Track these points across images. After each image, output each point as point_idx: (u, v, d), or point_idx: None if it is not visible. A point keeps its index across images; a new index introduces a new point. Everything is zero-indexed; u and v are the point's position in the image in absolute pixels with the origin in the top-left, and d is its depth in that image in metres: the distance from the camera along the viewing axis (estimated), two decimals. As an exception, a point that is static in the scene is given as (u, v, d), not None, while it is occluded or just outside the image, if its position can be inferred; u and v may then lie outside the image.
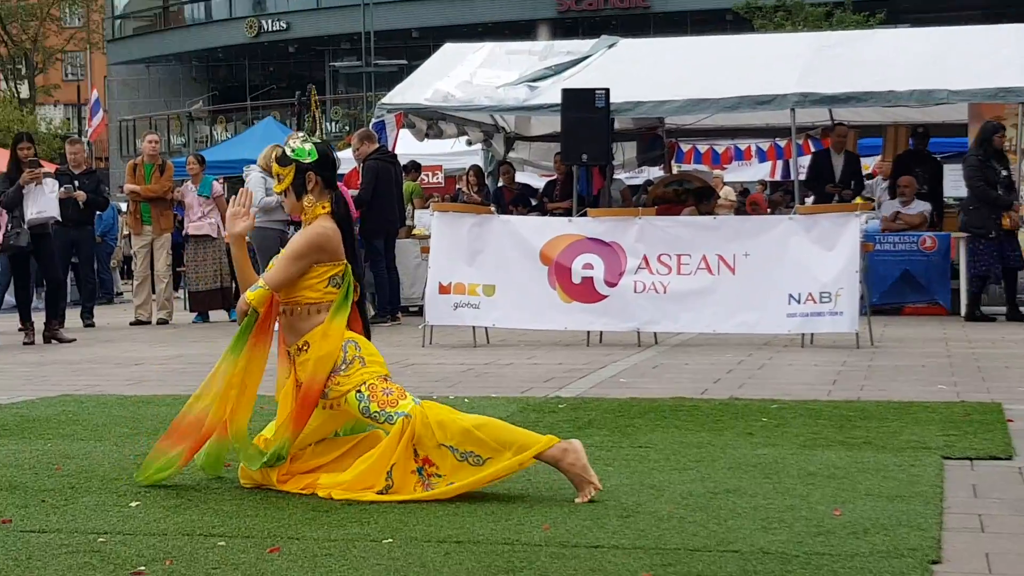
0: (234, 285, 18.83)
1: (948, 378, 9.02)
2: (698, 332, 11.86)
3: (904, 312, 14.85)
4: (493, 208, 13.38)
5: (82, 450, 6.41)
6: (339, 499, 5.13)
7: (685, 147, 20.56)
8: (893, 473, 5.56)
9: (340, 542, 4.50)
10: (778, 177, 22.48)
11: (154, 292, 16.08)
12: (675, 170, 19.50)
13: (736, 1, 36.02)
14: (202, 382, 5.58)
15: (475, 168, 19.05)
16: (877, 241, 14.45)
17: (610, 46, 16.79)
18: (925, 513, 4.78)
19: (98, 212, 17.25)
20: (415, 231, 16.70)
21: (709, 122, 17.84)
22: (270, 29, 53.84)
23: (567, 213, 15.10)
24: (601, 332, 11.88)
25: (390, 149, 14.98)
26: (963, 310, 14.32)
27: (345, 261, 5.44)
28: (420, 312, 14.13)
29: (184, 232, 16.20)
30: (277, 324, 5.53)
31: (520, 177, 20.21)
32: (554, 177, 18.15)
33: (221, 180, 17.06)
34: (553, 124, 16.24)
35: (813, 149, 18.53)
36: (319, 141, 5.54)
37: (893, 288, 14.81)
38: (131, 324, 15.71)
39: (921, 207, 15.49)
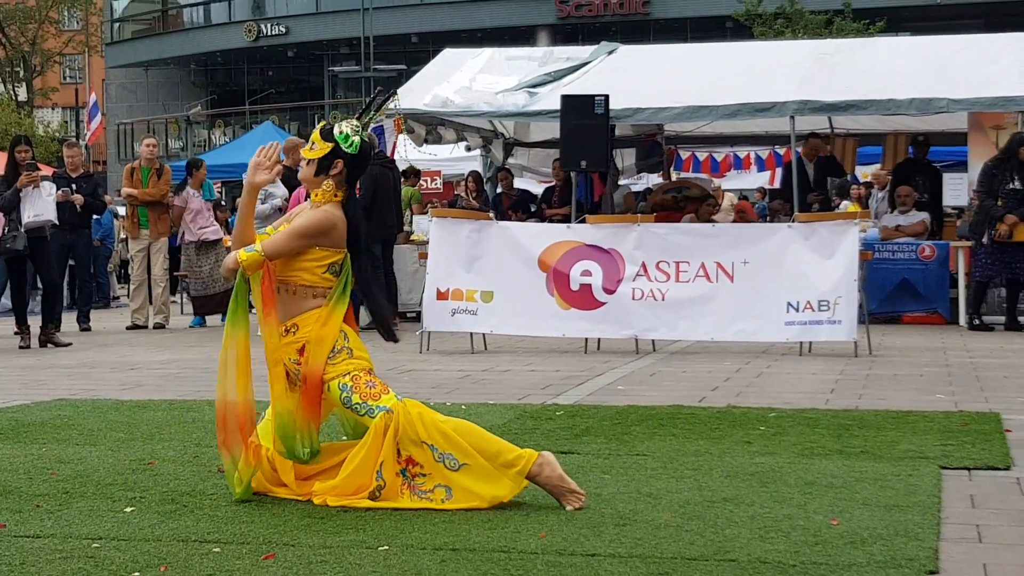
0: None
1: (946, 387, 9.00)
2: (696, 340, 11.84)
3: (903, 321, 14.85)
4: (492, 214, 13.34)
5: (77, 455, 6.38)
6: (334, 506, 5.11)
7: (684, 154, 20.56)
8: (891, 483, 5.54)
9: (336, 549, 4.48)
10: (777, 185, 22.44)
11: (151, 296, 16.04)
12: (674, 177, 19.48)
13: (736, 8, 36.00)
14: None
15: (474, 174, 19.05)
16: (876, 249, 14.45)
17: (610, 52, 16.79)
18: (922, 523, 4.77)
19: (96, 216, 17.23)
20: (413, 237, 16.69)
21: (708, 129, 17.83)
22: (269, 33, 53.82)
23: (566, 219, 15.09)
24: (599, 339, 11.85)
25: (389, 154, 14.96)
26: (962, 317, 14.31)
27: (345, 250, 5.39)
28: (418, 318, 14.12)
29: (183, 237, 16.12)
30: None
31: (519, 183, 20.20)
32: (553, 183, 18.15)
33: (218, 185, 17.06)
34: (552, 130, 16.23)
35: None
36: (367, 140, 5.49)
37: (892, 297, 14.81)
38: (127, 328, 15.68)
39: (920, 216, 15.48)
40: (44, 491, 5.47)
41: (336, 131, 5.38)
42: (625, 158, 18.99)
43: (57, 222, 13.78)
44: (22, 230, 13.07)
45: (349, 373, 5.26)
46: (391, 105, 5.87)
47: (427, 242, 12.77)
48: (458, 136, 18.12)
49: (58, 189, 14.25)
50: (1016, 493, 5.42)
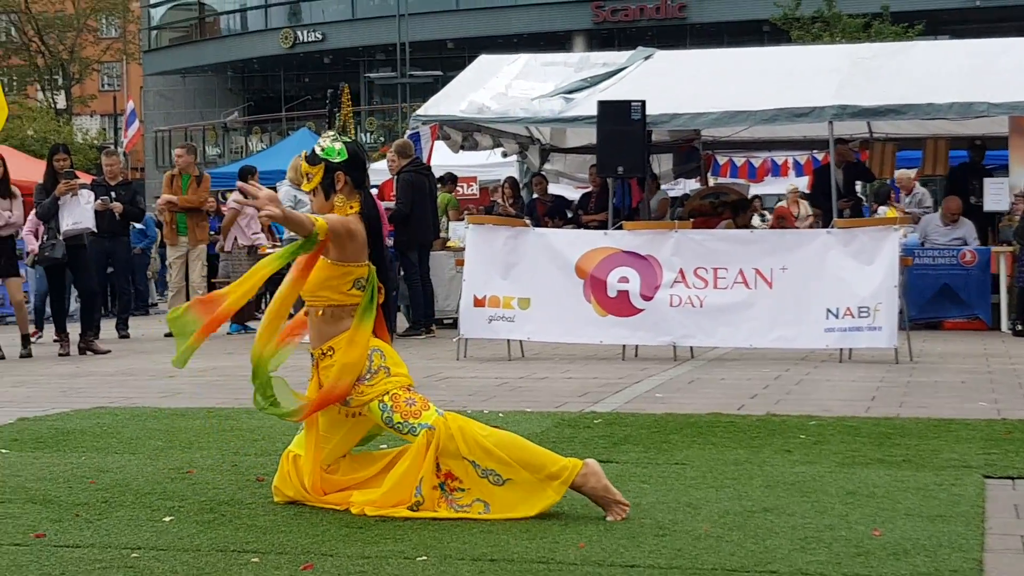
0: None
1: (989, 395, 8.92)
2: (735, 347, 11.79)
3: (944, 327, 14.73)
4: (528, 221, 13.31)
5: (116, 463, 6.39)
6: (372, 515, 5.09)
7: (721, 160, 20.48)
8: (933, 492, 5.48)
9: (374, 559, 4.46)
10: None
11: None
12: (711, 183, 19.42)
13: (773, 12, 35.83)
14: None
15: (510, 180, 19.03)
16: (916, 255, 14.34)
17: (646, 58, 16.75)
18: (966, 534, 4.71)
19: (135, 224, 17.32)
20: (449, 243, 16.68)
21: (746, 134, 17.76)
22: (305, 40, 53.98)
23: (602, 226, 15.06)
24: (637, 346, 11.82)
25: (425, 161, 14.96)
26: (1004, 323, 14.19)
27: (369, 263, 5.38)
28: (454, 325, 14.10)
29: (235, 242, 16.11)
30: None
31: (555, 189, 20.18)
32: (589, 189, 18.11)
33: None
34: (589, 136, 16.19)
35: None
36: (349, 140, 5.47)
37: (932, 302, 14.70)
38: (166, 335, 15.70)
39: (964, 229, 15.27)
40: (83, 500, 5.48)
41: (318, 151, 5.39)
42: (662, 164, 18.94)
43: (95, 230, 13.85)
44: (60, 238, 13.15)
45: (388, 392, 5.24)
46: (345, 100, 5.88)
47: (463, 249, 12.76)
48: (494, 142, 18.12)
49: (97, 197, 14.34)
50: (1061, 503, 5.36)
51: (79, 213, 13.26)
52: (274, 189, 15.54)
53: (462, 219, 18.11)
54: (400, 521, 5.01)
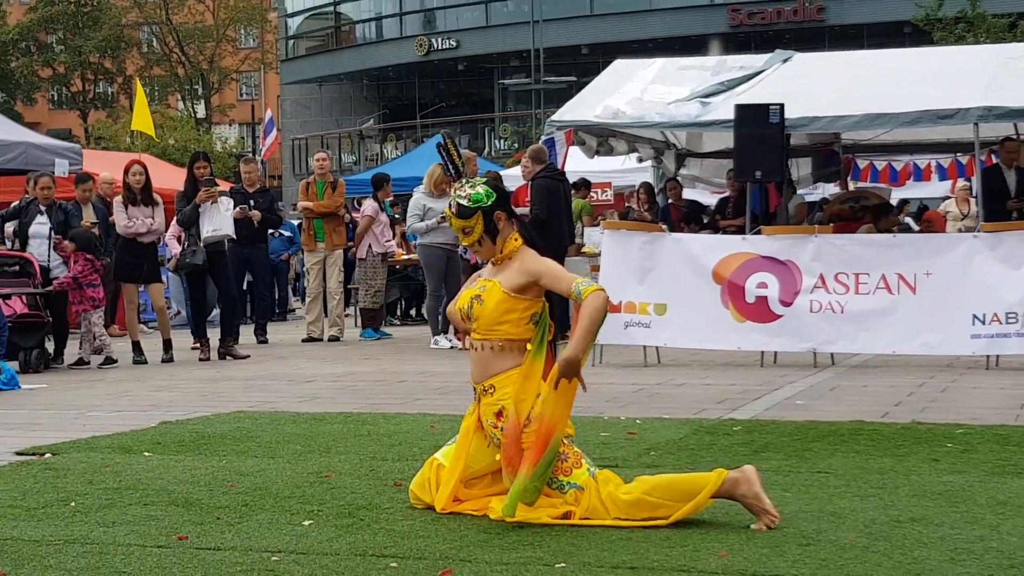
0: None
1: None
2: (877, 353, 11.55)
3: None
4: (664, 227, 13.19)
5: (256, 467, 6.44)
6: (511, 521, 5.05)
7: (862, 164, 20.11)
8: (1090, 504, 5.29)
9: (513, 565, 4.42)
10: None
11: (326, 309, 16.24)
12: (851, 187, 19.08)
13: (915, 12, 35.12)
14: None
15: (646, 185, 18.90)
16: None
17: (784, 60, 16.47)
18: None
19: (272, 231, 17.54)
20: (585, 249, 16.61)
21: (887, 137, 17.38)
22: (440, 47, 54.32)
23: (740, 231, 14.87)
24: (776, 352, 11.64)
25: (559, 167, 14.90)
26: None
27: (544, 300, 5.36)
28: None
29: (369, 249, 16.22)
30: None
31: (690, 194, 20.00)
32: (726, 194, 17.91)
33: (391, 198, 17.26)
34: (725, 140, 15.99)
35: (997, 165, 17.97)
36: (483, 179, 5.46)
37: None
38: (303, 341, 15.89)
39: None
40: (224, 503, 5.52)
41: (466, 201, 5.32)
42: (801, 168, 18.64)
43: (235, 236, 14.04)
44: (201, 245, 13.34)
45: None
46: (450, 146, 5.84)
47: (599, 254, 12.68)
48: (629, 147, 17.98)
49: (236, 205, 14.51)
50: None
51: (219, 220, 13.46)
52: (409, 196, 15.67)
53: (597, 224, 18.04)
54: (539, 528, 4.96)
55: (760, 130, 13.77)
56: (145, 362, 13.16)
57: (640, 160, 19.48)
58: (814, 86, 15.32)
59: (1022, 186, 15.06)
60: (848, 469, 6.15)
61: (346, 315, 17.10)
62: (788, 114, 13.85)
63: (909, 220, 20.52)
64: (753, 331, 11.45)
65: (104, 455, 6.94)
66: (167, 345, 13.43)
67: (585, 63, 46.36)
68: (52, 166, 17.09)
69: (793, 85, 15.20)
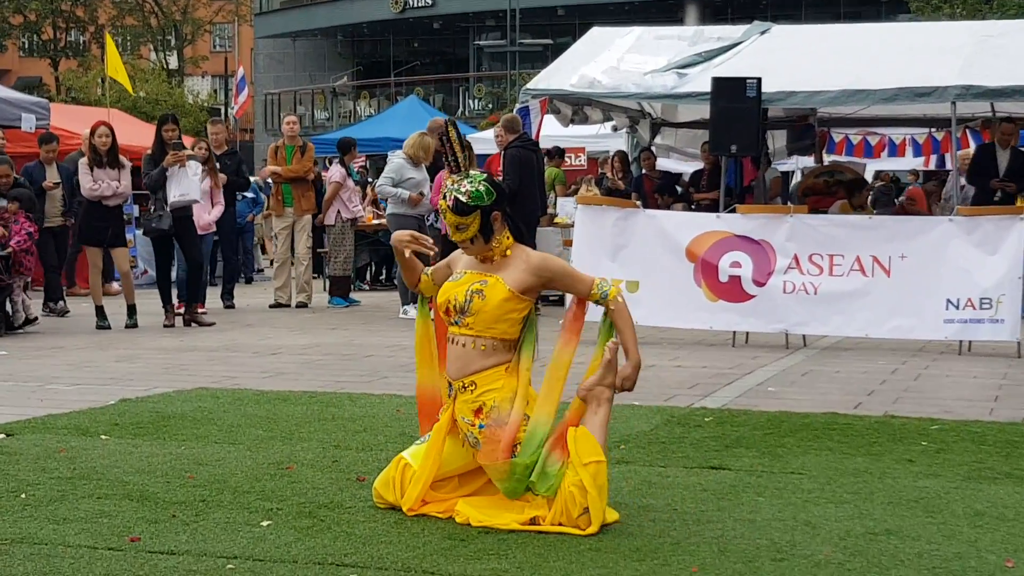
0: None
1: (1119, 398, 8.52)
2: (849, 336, 11.43)
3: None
4: (639, 203, 13.02)
5: (215, 455, 6.26)
6: (476, 526, 4.90)
7: (837, 137, 19.97)
8: (1069, 516, 5.18)
9: (477, 578, 4.28)
10: (932, 167, 21.72)
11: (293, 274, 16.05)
12: (826, 160, 18.95)
13: (892, -16, 35.04)
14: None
15: (620, 154, 18.74)
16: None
17: (762, 32, 16.28)
18: (1110, 570, 4.41)
19: (242, 193, 17.32)
20: (557, 219, 16.45)
21: (863, 112, 17.25)
22: (415, 5, 53.77)
23: (713, 204, 14.72)
24: (747, 333, 11.52)
25: (534, 136, 14.71)
26: None
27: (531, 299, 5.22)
28: (560, 302, 13.89)
29: (337, 215, 16.02)
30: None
31: (664, 164, 19.84)
32: (700, 165, 17.76)
33: (363, 159, 17.04)
34: (701, 111, 15.82)
35: (972, 143, 17.86)
36: (483, 176, 5.22)
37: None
38: (270, 307, 15.69)
39: None
40: (180, 498, 5.34)
41: (465, 199, 5.11)
42: (776, 140, 18.50)
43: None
44: (168, 209, 13.11)
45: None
46: (452, 136, 5.59)
47: (571, 225, 12.52)
48: (604, 116, 17.80)
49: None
50: None
51: (186, 184, 13.21)
52: (385, 158, 15.45)
53: (570, 194, 17.88)
54: (504, 534, 4.81)
55: (737, 104, 13.58)
56: (109, 327, 12.95)
57: (615, 129, 19.30)
58: (792, 59, 15.15)
59: (1013, 167, 14.96)
60: (822, 470, 6.02)
61: (315, 278, 16.87)
62: (765, 88, 13.67)
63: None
64: (725, 311, 11.32)
65: (60, 437, 6.76)
66: (131, 310, 13.21)
67: (561, 25, 46.06)
68: (19, 120, 16.86)
69: (771, 58, 15.02)
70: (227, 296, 15.83)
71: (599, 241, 11.59)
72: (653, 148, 18.85)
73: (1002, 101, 15.15)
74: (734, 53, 15.56)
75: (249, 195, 20.36)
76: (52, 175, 15.48)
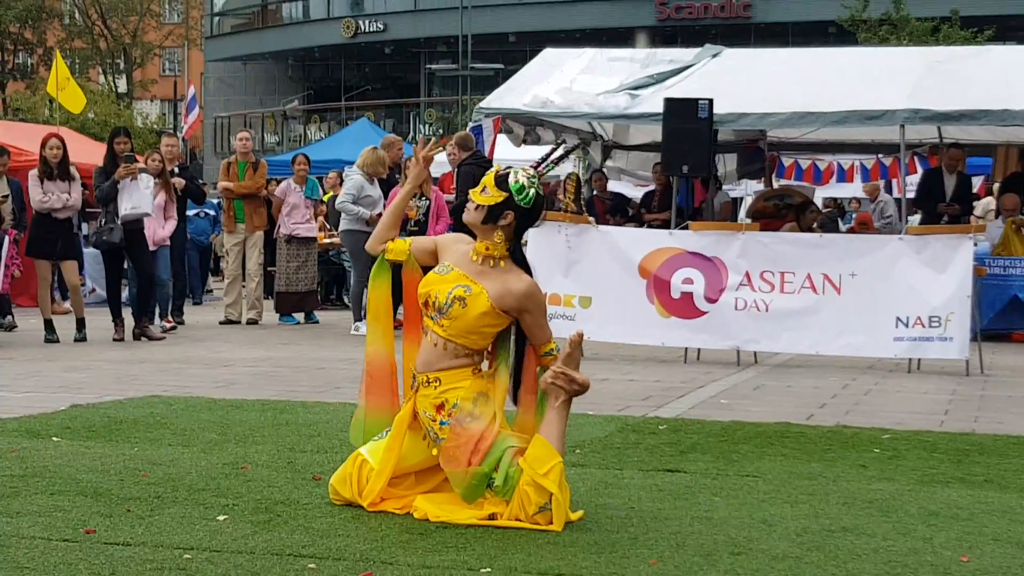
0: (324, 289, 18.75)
1: (1066, 412, 8.61)
2: (800, 353, 11.51)
3: (1013, 339, 14.34)
4: (591, 219, 13.06)
5: (169, 456, 6.22)
6: (435, 521, 4.89)
7: (786, 161, 20.12)
8: (1021, 516, 5.23)
9: (437, 568, 4.27)
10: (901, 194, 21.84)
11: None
12: (775, 185, 19.08)
13: (840, 13, 35.32)
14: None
15: (573, 176, 18.77)
16: (987, 264, 13.97)
17: (714, 55, 16.40)
18: (1062, 564, 4.46)
19: (197, 205, 17.26)
20: (509, 238, 16.43)
21: (812, 136, 17.38)
22: (367, 30, 53.88)
23: (665, 225, 14.78)
24: (699, 349, 11.57)
25: (487, 155, 14.74)
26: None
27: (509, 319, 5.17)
28: (512, 321, 13.89)
29: (279, 231, 16.02)
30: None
31: (615, 186, 19.90)
32: (650, 187, 17.84)
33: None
34: (652, 133, 15.90)
35: (920, 168, 18.05)
36: (542, 193, 5.15)
37: (1002, 314, 14.29)
38: (220, 323, 15.60)
39: None
40: (135, 494, 5.30)
41: (511, 180, 5.05)
42: (727, 163, 18.61)
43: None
44: (119, 222, 13.02)
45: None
46: (571, 158, 5.53)
47: (524, 244, 12.50)
48: (556, 137, 17.85)
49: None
50: None
51: (138, 197, 13.12)
52: (339, 176, 15.41)
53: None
54: (463, 528, 4.81)
55: (689, 124, 13.65)
56: (57, 341, 12.83)
57: (567, 153, 19.33)
58: (743, 82, 15.25)
59: (959, 192, 15.15)
60: (777, 474, 6.06)
61: (266, 298, 16.79)
62: (716, 109, 13.74)
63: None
64: (678, 327, 11.37)
65: (10, 439, 6.69)
66: (80, 324, 13.10)
67: (512, 51, 46.18)
68: (-34, 137, 16.71)
69: (722, 80, 15.12)
70: (177, 313, 15.71)
71: (552, 257, 11.62)
72: (604, 170, 18.91)
73: (949, 125, 15.33)
74: (686, 75, 15.65)
75: (211, 212, 20.21)
76: (1, 188, 15.34)
